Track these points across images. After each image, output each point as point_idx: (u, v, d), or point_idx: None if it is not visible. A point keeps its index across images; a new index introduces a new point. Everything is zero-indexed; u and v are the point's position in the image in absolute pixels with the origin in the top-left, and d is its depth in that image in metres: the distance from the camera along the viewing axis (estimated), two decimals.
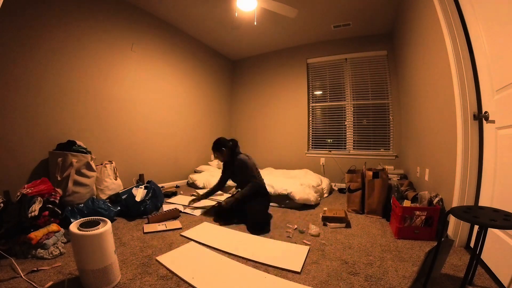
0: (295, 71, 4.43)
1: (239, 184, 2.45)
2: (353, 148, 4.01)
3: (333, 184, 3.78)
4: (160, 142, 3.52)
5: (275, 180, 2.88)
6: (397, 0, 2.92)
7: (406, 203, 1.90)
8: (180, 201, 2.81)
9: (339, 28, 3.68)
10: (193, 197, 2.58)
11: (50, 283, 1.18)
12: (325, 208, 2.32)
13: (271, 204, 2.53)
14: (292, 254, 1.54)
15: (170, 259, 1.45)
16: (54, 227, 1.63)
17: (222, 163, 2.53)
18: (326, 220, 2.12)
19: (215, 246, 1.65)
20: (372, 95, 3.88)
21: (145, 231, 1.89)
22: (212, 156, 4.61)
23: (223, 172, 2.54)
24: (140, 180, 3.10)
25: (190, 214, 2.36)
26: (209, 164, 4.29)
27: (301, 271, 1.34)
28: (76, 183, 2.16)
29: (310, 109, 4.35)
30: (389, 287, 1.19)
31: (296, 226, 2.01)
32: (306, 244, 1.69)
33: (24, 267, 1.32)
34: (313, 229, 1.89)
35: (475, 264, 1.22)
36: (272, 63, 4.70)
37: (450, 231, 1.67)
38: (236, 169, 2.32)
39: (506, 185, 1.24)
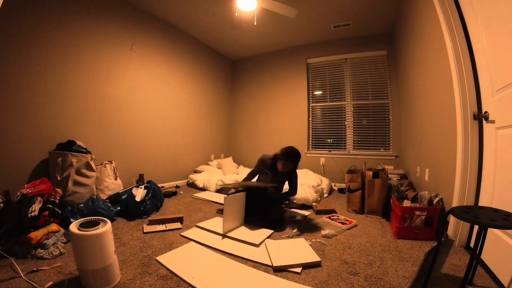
0: (295, 71, 4.43)
1: (271, 183, 2.25)
2: (353, 148, 4.01)
3: (333, 184, 3.78)
4: (160, 142, 3.52)
5: None
6: (397, 0, 2.92)
7: (406, 203, 1.90)
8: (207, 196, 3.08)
9: (339, 28, 3.68)
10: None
11: (50, 283, 1.18)
12: (315, 203, 2.50)
13: None
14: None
15: (170, 259, 1.45)
16: (54, 227, 1.63)
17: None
18: (319, 213, 2.40)
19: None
20: (372, 95, 3.88)
21: (145, 231, 1.89)
22: (212, 156, 4.61)
23: (255, 172, 2.41)
24: (140, 180, 3.10)
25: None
26: (209, 164, 4.29)
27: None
28: (76, 183, 2.16)
29: (310, 109, 4.34)
30: (389, 287, 1.19)
31: (295, 229, 2.01)
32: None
33: (24, 267, 1.32)
34: (327, 230, 1.91)
35: (475, 264, 1.22)
36: (272, 63, 4.70)
37: (450, 231, 1.67)
38: (285, 176, 2.24)
39: (506, 185, 1.24)
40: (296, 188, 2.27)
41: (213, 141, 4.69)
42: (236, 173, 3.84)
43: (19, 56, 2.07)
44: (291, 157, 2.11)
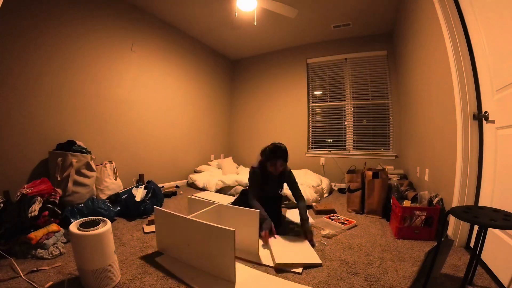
0: (295, 71, 4.43)
1: (268, 194, 2.04)
2: (353, 148, 4.01)
3: (333, 184, 3.78)
4: (160, 142, 3.52)
5: None
6: (397, 0, 2.92)
7: (406, 203, 1.90)
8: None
9: (339, 28, 3.68)
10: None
11: (50, 283, 1.18)
12: (315, 203, 2.50)
13: None
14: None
15: (170, 259, 1.45)
16: (54, 227, 1.63)
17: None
18: (319, 213, 2.40)
19: None
20: (372, 95, 3.88)
21: (145, 231, 1.89)
22: (212, 156, 4.62)
23: (255, 183, 1.96)
24: (140, 180, 3.10)
25: None
26: (209, 164, 4.29)
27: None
28: (76, 183, 2.16)
29: (310, 109, 4.35)
30: (389, 287, 1.19)
31: (296, 228, 2.01)
32: None
33: (24, 267, 1.32)
34: (327, 230, 1.91)
35: (475, 264, 1.22)
36: (272, 63, 4.70)
37: (450, 231, 1.67)
38: (280, 179, 2.02)
39: (506, 185, 1.24)
40: (298, 189, 1.99)
41: (213, 141, 4.69)
42: (236, 173, 3.84)
43: (18, 55, 2.07)
44: (277, 152, 1.86)
